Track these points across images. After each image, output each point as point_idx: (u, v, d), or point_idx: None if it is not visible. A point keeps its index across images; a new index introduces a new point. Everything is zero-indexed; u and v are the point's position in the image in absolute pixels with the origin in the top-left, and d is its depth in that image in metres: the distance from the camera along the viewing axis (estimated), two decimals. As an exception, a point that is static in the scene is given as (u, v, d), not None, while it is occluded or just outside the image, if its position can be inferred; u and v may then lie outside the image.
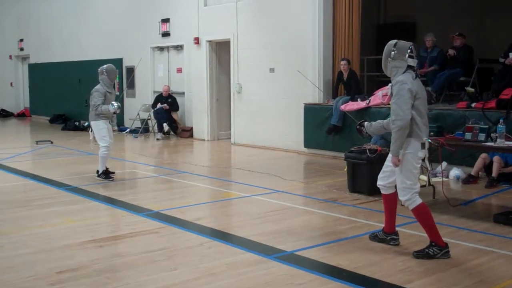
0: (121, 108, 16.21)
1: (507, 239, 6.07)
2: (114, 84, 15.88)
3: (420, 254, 5.44)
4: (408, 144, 5.43)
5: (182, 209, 7.58)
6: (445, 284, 4.77)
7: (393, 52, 5.57)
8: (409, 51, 5.54)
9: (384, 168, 5.84)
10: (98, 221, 7.06)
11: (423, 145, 5.44)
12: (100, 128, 9.46)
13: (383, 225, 5.99)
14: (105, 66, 9.64)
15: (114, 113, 9.45)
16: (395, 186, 5.73)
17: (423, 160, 5.57)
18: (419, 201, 5.48)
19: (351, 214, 7.23)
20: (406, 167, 5.46)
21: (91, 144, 9.67)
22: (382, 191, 5.87)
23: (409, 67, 5.52)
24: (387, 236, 5.90)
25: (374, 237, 6.00)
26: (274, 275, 5.03)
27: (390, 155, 5.60)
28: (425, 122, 5.50)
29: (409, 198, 5.48)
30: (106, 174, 9.57)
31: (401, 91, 5.36)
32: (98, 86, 9.50)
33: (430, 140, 5.55)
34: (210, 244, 6.01)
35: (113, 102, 9.39)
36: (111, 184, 9.33)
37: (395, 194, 5.80)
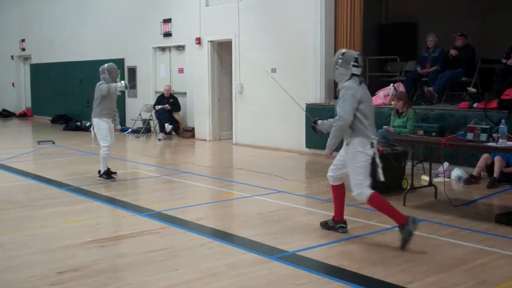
0: (123, 108, 16.27)
1: (509, 239, 6.07)
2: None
3: (403, 245, 5.69)
4: (358, 143, 5.92)
5: (184, 209, 7.57)
6: (447, 284, 4.77)
7: (340, 60, 6.09)
8: (353, 60, 6.03)
9: (335, 161, 6.27)
10: (100, 221, 7.06)
11: (372, 144, 5.92)
12: (101, 127, 9.46)
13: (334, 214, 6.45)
14: (106, 64, 9.65)
15: (121, 91, 9.42)
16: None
17: (374, 158, 5.98)
18: (369, 191, 5.88)
19: (352, 214, 7.20)
20: (357, 165, 5.92)
21: (92, 143, 9.68)
22: (331, 182, 6.36)
23: (353, 74, 6.02)
24: (336, 224, 6.37)
25: (324, 224, 6.48)
26: (275, 275, 5.03)
27: (343, 149, 6.11)
28: (371, 123, 5.98)
29: (360, 192, 5.91)
30: (108, 174, 9.56)
31: (346, 95, 5.92)
32: (101, 82, 9.49)
33: (375, 141, 5.97)
34: (212, 244, 6.01)
35: (121, 81, 9.38)
36: (113, 184, 9.32)
37: (343, 186, 6.35)
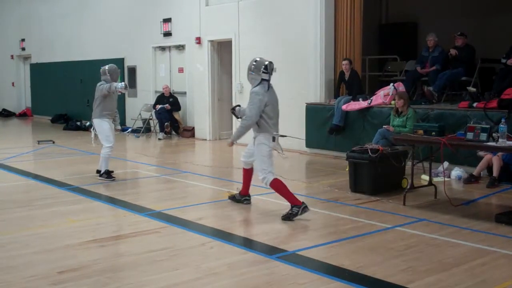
0: (123, 108, 16.27)
1: (509, 239, 6.07)
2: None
3: (286, 217, 6.81)
4: (263, 138, 7.05)
5: (184, 209, 7.58)
6: (447, 284, 4.77)
7: (252, 66, 7.11)
8: (263, 67, 7.03)
9: (246, 150, 7.58)
10: (100, 221, 7.06)
11: (273, 138, 7.07)
12: (103, 128, 9.49)
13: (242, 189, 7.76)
14: (107, 66, 9.65)
15: (121, 92, 9.46)
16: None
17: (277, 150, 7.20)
18: (272, 177, 7.00)
19: (353, 214, 7.22)
20: (261, 154, 7.06)
21: (93, 144, 9.71)
22: (243, 166, 7.68)
23: (263, 80, 7.03)
24: (242, 198, 7.75)
25: (232, 197, 7.85)
26: (276, 275, 5.03)
27: (253, 139, 7.22)
28: (274, 122, 7.12)
29: (264, 177, 7.04)
30: (108, 174, 9.57)
31: (254, 99, 6.97)
32: (102, 83, 9.50)
33: (276, 136, 7.11)
34: (212, 244, 6.01)
35: (122, 82, 9.42)
36: (113, 184, 9.33)
37: (252, 169, 7.64)
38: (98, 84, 9.54)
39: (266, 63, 7.08)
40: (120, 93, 9.61)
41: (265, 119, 7.00)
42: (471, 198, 8.08)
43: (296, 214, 6.80)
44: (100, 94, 9.42)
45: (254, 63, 7.10)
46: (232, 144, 7.44)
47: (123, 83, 9.35)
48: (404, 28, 14.56)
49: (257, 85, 7.04)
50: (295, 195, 7.03)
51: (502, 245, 5.82)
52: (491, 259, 5.42)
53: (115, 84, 9.30)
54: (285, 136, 7.65)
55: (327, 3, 12.35)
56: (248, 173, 7.72)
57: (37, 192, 8.74)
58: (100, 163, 9.64)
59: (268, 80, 7.08)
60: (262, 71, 7.01)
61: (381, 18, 15.60)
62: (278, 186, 7.03)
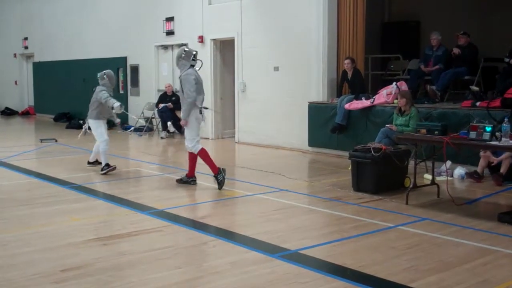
0: (126, 106, 16.27)
1: (511, 238, 6.05)
2: (119, 82, 16.05)
3: (218, 185, 8.53)
4: (192, 111, 8.55)
5: (186, 207, 7.59)
6: (449, 283, 4.76)
7: (183, 54, 8.65)
8: (193, 56, 8.69)
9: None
10: (102, 220, 7.07)
11: (200, 111, 8.63)
12: (99, 127, 10.05)
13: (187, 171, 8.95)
14: (105, 71, 10.26)
15: (116, 113, 10.11)
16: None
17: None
18: (199, 147, 8.68)
19: (355, 213, 7.22)
20: (190, 126, 8.63)
21: (79, 137, 10.35)
22: (189, 150, 8.81)
23: (191, 66, 8.65)
24: (189, 179, 8.88)
25: (179, 180, 8.97)
26: (278, 273, 5.03)
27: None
28: (202, 98, 8.70)
29: (193, 145, 8.65)
30: (108, 165, 9.94)
31: (189, 80, 8.51)
32: (102, 87, 10.08)
33: (201, 108, 8.67)
34: (214, 242, 6.01)
35: (119, 103, 9.98)
36: (115, 182, 9.34)
37: (195, 154, 8.76)
38: (98, 89, 10.06)
39: (194, 52, 8.77)
40: (113, 110, 10.07)
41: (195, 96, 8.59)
42: (474, 197, 8.07)
43: (223, 180, 8.53)
44: (97, 99, 9.97)
45: (184, 52, 8.65)
46: (186, 123, 8.62)
47: (119, 104, 9.92)
48: (407, 27, 14.54)
49: (187, 70, 8.57)
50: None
51: (505, 245, 5.81)
52: (493, 258, 5.42)
53: (112, 101, 9.86)
54: (207, 108, 9.47)
55: (330, 1, 12.33)
56: (193, 157, 8.86)
57: (40, 191, 8.75)
58: (97, 157, 10.37)
59: (194, 66, 8.70)
60: (192, 59, 8.65)
61: (384, 16, 15.58)
62: (204, 154, 8.67)
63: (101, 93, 9.93)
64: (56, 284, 4.78)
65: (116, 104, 9.84)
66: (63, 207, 7.59)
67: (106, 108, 10.03)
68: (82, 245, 5.89)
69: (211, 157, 8.73)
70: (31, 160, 12.10)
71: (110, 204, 7.91)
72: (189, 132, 8.66)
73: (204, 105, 8.92)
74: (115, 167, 9.98)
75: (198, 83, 8.64)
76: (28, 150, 13.35)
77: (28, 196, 8.41)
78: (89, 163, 10.63)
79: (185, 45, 16.09)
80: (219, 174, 8.52)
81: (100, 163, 10.18)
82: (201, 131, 15.23)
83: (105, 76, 10.14)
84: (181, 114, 8.88)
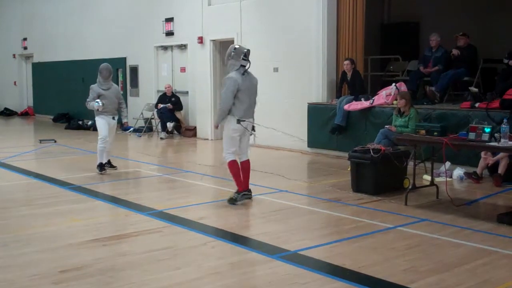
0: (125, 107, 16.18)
1: (511, 239, 6.06)
2: (118, 83, 15.97)
3: (228, 201, 7.62)
4: (227, 120, 7.57)
5: (186, 208, 7.59)
6: (449, 284, 4.77)
7: (232, 53, 7.50)
8: (243, 55, 7.48)
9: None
10: (102, 220, 7.07)
11: (238, 121, 7.48)
12: (98, 123, 10.00)
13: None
14: (100, 65, 10.10)
15: (98, 110, 9.78)
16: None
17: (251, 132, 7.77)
18: (230, 158, 7.68)
19: (354, 213, 7.22)
20: (225, 135, 7.72)
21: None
22: (240, 160, 7.86)
23: (241, 66, 7.49)
24: (240, 193, 7.70)
25: (231, 199, 7.72)
26: (277, 274, 5.03)
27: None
28: (243, 107, 7.51)
29: (224, 155, 7.76)
30: (101, 167, 9.94)
31: (229, 84, 7.42)
32: (94, 84, 9.99)
33: (241, 119, 7.51)
34: (214, 243, 6.02)
35: (98, 100, 9.74)
36: (115, 183, 9.35)
37: (246, 162, 7.88)
38: (90, 86, 10.02)
39: (245, 50, 7.55)
40: (98, 110, 9.85)
41: (235, 103, 7.48)
42: (473, 198, 8.07)
43: (236, 200, 7.63)
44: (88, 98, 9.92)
45: (234, 50, 7.52)
46: (216, 127, 7.86)
47: (100, 102, 9.72)
48: (406, 28, 14.55)
49: (233, 71, 7.48)
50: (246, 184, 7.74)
51: (504, 246, 5.82)
52: (493, 259, 5.42)
53: (91, 105, 9.79)
54: (252, 130, 7.87)
55: (329, 3, 12.34)
56: (241, 166, 7.83)
57: (39, 191, 8.75)
58: (108, 157, 10.22)
59: (245, 67, 7.54)
60: (242, 58, 7.48)
61: (383, 18, 15.59)
62: (232, 167, 7.70)
63: (89, 94, 9.87)
64: (55, 285, 4.78)
65: (95, 104, 9.67)
66: (62, 208, 7.59)
67: (107, 103, 9.82)
68: (82, 245, 5.89)
69: (240, 174, 7.73)
70: (30, 160, 12.10)
71: (109, 205, 7.91)
72: (224, 141, 7.80)
73: (248, 118, 7.68)
74: (104, 172, 9.94)
75: (241, 90, 7.47)
76: (27, 151, 13.35)
77: (27, 196, 8.43)
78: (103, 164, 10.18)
79: (185, 46, 16.18)
80: (239, 194, 7.68)
81: (111, 164, 10.24)
82: (203, 131, 15.58)
83: (99, 69, 9.94)
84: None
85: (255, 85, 7.81)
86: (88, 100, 9.84)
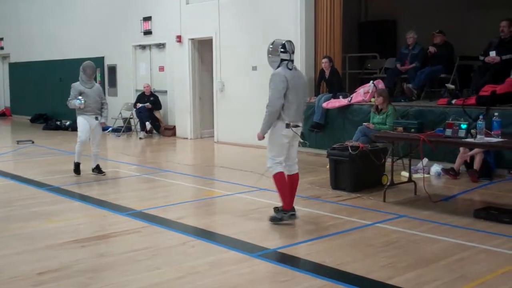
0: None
1: (487, 234, 6.14)
2: (96, 82, 15.69)
3: (272, 218, 6.58)
4: (275, 124, 6.45)
5: (165, 208, 7.57)
6: (426, 279, 4.81)
7: (270, 49, 6.58)
8: (280, 47, 6.47)
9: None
10: (80, 221, 7.03)
11: (287, 125, 6.42)
12: (78, 124, 9.77)
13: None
14: (84, 63, 9.86)
15: (80, 108, 9.53)
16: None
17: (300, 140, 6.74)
18: (278, 170, 6.54)
19: (333, 211, 7.26)
20: (272, 141, 6.54)
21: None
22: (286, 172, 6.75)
23: (283, 60, 6.44)
24: (286, 213, 6.62)
25: (274, 217, 6.67)
26: (258, 273, 5.05)
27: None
28: (293, 108, 6.42)
29: (270, 166, 6.56)
30: (76, 167, 9.84)
31: (275, 82, 6.36)
32: (75, 83, 9.75)
33: (291, 123, 6.43)
34: (193, 243, 6.01)
35: (80, 98, 9.52)
36: (94, 183, 9.29)
37: (295, 175, 6.84)
38: (71, 85, 9.77)
39: (283, 42, 6.54)
40: (80, 108, 9.58)
41: (283, 104, 6.39)
42: (450, 194, 8.15)
43: (281, 219, 6.55)
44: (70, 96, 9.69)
45: (271, 45, 6.58)
46: (262, 136, 6.55)
47: (82, 100, 9.49)
48: (383, 26, 14.65)
49: (277, 68, 6.48)
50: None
51: (481, 240, 5.89)
52: (470, 254, 5.48)
53: (72, 103, 9.58)
54: (298, 126, 6.63)
55: (307, 1, 12.38)
56: (290, 180, 6.75)
57: (17, 193, 8.67)
58: (97, 161, 9.98)
59: (290, 60, 6.48)
60: (280, 51, 6.46)
61: (360, 16, 15.67)
62: (279, 180, 6.57)
63: (70, 93, 9.66)
64: (34, 287, 4.75)
65: (77, 102, 9.48)
66: (40, 209, 7.53)
67: (88, 102, 9.56)
68: (61, 247, 5.85)
69: (287, 188, 6.67)
70: (7, 162, 11.97)
71: (88, 205, 7.86)
72: (270, 148, 6.59)
73: (298, 122, 6.60)
74: (78, 175, 9.77)
75: (290, 88, 6.38)
76: (4, 152, 13.21)
77: (5, 198, 8.33)
78: (92, 170, 9.94)
79: (163, 45, 16.12)
80: (283, 212, 6.62)
81: (100, 169, 9.94)
82: (183, 130, 15.55)
83: (81, 67, 9.69)
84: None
85: (304, 83, 6.80)
86: (69, 98, 9.62)
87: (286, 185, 6.62)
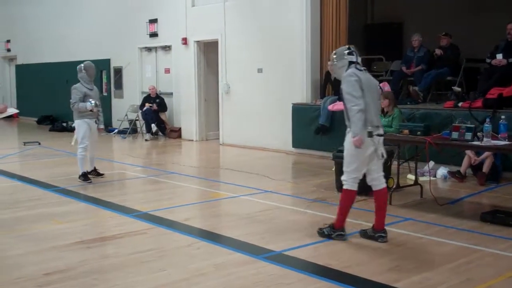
0: (109, 109, 16.17)
1: (494, 237, 6.11)
2: (102, 85, 15.60)
3: (320, 232, 6.12)
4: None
5: (171, 209, 7.57)
6: (433, 282, 4.80)
7: (334, 57, 6.13)
8: (346, 50, 6.06)
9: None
10: (86, 223, 7.04)
11: (369, 134, 5.77)
12: (80, 128, 9.35)
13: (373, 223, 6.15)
14: (83, 63, 9.54)
15: (91, 110, 9.23)
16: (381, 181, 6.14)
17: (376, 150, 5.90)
18: (352, 188, 5.94)
19: (339, 213, 7.23)
20: (349, 153, 5.88)
21: (72, 143, 9.62)
22: (373, 188, 6.13)
23: (351, 62, 5.97)
24: (376, 233, 6.04)
25: (364, 233, 6.16)
26: (263, 275, 5.04)
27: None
28: (375, 112, 5.91)
29: (346, 179, 5.96)
30: (85, 176, 9.40)
31: (349, 82, 5.79)
32: (77, 84, 9.41)
33: (373, 131, 5.82)
34: (199, 244, 6.01)
35: (90, 100, 9.21)
36: (99, 185, 9.29)
37: (384, 189, 6.15)
38: (72, 87, 9.40)
39: (348, 46, 6.18)
40: (91, 111, 9.29)
41: None
42: (456, 197, 8.13)
43: (329, 236, 6.03)
44: (73, 100, 9.28)
45: (334, 54, 6.15)
46: (360, 141, 5.71)
47: (92, 102, 9.20)
48: (390, 28, 14.63)
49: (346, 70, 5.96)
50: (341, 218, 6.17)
51: (487, 244, 5.86)
52: (476, 257, 5.46)
53: (82, 105, 9.17)
54: (381, 135, 6.00)
55: (313, 3, 12.38)
56: (376, 196, 6.15)
57: (23, 194, 8.69)
58: (94, 164, 9.62)
59: (358, 63, 6.00)
60: (347, 53, 6.00)
61: (366, 18, 15.66)
62: (348, 198, 6.00)
63: (72, 95, 9.24)
64: (40, 288, 4.76)
65: (88, 105, 9.14)
66: (46, 210, 7.54)
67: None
68: (66, 248, 5.86)
69: (349, 209, 6.12)
70: (14, 163, 12.00)
71: (94, 207, 7.87)
72: (348, 162, 5.92)
73: (378, 127, 5.95)
74: (90, 182, 9.34)
75: (365, 89, 5.81)
76: (11, 153, 13.24)
77: (11, 199, 8.35)
78: (90, 173, 9.63)
79: (169, 47, 16.15)
80: (333, 229, 6.08)
81: (98, 172, 9.72)
82: (188, 132, 15.57)
83: (82, 68, 9.40)
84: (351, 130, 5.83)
85: (377, 85, 6.25)
86: (73, 101, 9.20)
87: (350, 205, 6.04)
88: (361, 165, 5.88)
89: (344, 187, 5.97)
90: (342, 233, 6.05)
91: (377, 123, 5.90)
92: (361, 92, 5.74)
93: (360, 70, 5.94)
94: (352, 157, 5.85)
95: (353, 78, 5.79)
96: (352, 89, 5.75)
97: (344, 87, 5.84)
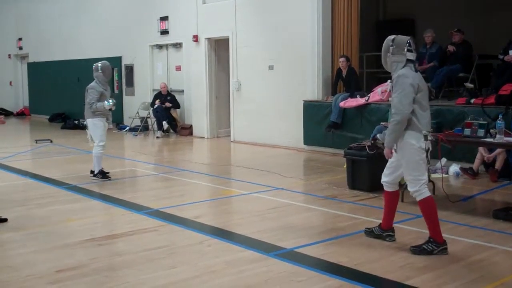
0: (121, 106, 16.23)
1: (506, 234, 6.07)
2: (113, 82, 15.67)
3: (417, 250, 5.47)
4: (410, 137, 5.43)
5: (182, 207, 7.57)
6: (445, 280, 4.77)
7: (391, 48, 5.65)
8: (407, 45, 5.60)
9: (388, 164, 5.83)
10: (98, 220, 7.06)
11: (425, 136, 5.45)
12: (96, 127, 9.37)
13: (380, 221, 6.04)
14: (100, 63, 9.53)
15: (110, 109, 9.30)
16: (398, 184, 5.93)
17: (427, 152, 5.53)
18: (427, 194, 5.50)
19: (351, 211, 7.22)
20: (411, 159, 5.46)
21: (89, 143, 9.63)
22: (385, 188, 5.88)
23: (408, 61, 5.57)
24: (383, 232, 5.93)
25: (369, 232, 6.05)
26: (274, 272, 5.03)
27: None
28: (427, 115, 5.51)
29: (417, 189, 5.48)
30: (103, 174, 9.46)
31: (403, 85, 5.39)
32: (93, 84, 9.40)
33: (428, 134, 5.51)
34: (210, 242, 6.01)
35: (108, 99, 9.25)
36: (111, 182, 9.31)
37: (397, 192, 5.95)
38: (88, 87, 9.38)
39: (408, 39, 5.71)
40: (110, 110, 9.33)
41: (415, 110, 5.43)
42: (469, 194, 8.08)
43: (431, 253, 5.40)
44: (89, 100, 9.25)
45: (392, 43, 5.69)
46: (390, 152, 5.55)
47: (111, 101, 9.22)
48: (402, 24, 14.54)
49: (400, 69, 5.56)
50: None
51: (500, 241, 5.82)
52: (489, 255, 5.43)
53: (100, 103, 9.15)
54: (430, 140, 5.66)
55: (324, 0, 12.34)
56: (392, 198, 5.90)
57: (35, 191, 8.73)
58: (93, 163, 9.51)
59: (414, 62, 5.65)
60: (407, 49, 5.59)
61: (378, 14, 15.60)
62: (429, 206, 5.52)
63: (90, 95, 9.23)
64: (51, 285, 4.77)
65: (106, 104, 9.15)
66: (58, 208, 7.57)
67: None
68: (78, 245, 5.88)
69: (436, 215, 5.59)
70: (26, 161, 12.07)
71: (105, 204, 7.89)
72: (411, 168, 5.48)
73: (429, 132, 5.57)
74: (109, 179, 9.38)
75: (421, 90, 5.48)
76: (23, 151, 13.32)
77: (23, 197, 8.40)
78: (92, 173, 9.57)
79: (180, 44, 16.16)
80: (439, 246, 5.45)
81: (106, 172, 9.59)
82: (199, 130, 15.59)
83: (99, 67, 9.36)
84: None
85: (426, 86, 5.79)
86: (91, 101, 9.16)
87: (436, 212, 5.56)
88: (424, 167, 5.55)
89: (420, 197, 5.50)
90: (445, 247, 5.47)
91: (427, 125, 5.54)
92: (412, 97, 5.37)
93: (416, 71, 5.60)
94: (417, 163, 5.45)
95: (408, 80, 5.40)
96: (403, 93, 5.37)
97: (396, 87, 5.46)
